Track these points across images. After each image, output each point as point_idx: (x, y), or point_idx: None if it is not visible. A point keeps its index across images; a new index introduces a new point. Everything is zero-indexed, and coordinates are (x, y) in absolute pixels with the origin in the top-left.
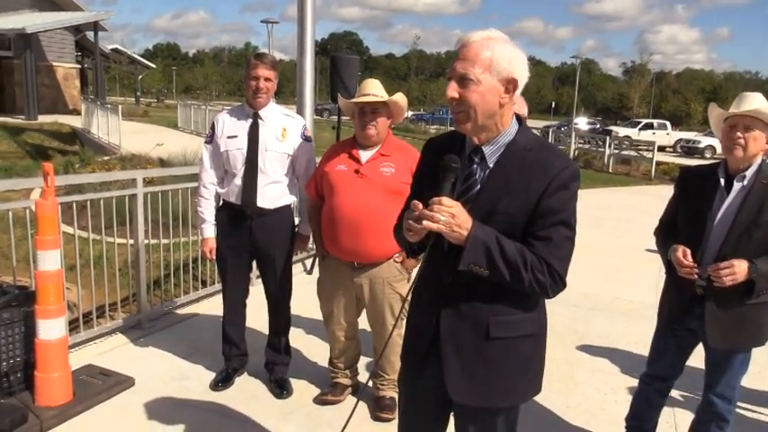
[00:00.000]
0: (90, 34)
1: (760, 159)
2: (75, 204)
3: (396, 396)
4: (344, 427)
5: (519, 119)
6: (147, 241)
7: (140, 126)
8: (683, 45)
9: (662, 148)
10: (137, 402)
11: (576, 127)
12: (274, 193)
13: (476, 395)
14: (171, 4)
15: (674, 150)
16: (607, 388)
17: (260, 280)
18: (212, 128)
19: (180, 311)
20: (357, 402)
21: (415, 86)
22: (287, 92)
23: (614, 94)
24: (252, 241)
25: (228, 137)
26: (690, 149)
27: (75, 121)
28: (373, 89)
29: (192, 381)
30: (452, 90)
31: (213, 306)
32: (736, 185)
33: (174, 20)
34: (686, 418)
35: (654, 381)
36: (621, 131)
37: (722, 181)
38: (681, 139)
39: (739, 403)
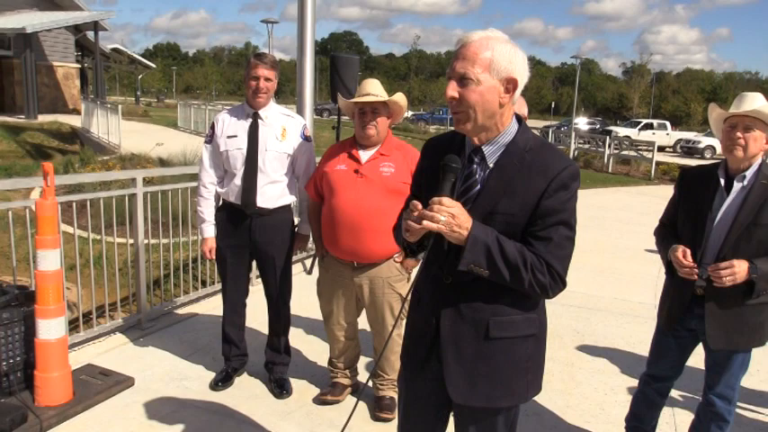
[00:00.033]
0: (90, 34)
1: (760, 159)
2: (74, 204)
3: (396, 396)
4: (345, 427)
5: (519, 119)
6: (146, 241)
7: (140, 126)
8: (683, 45)
9: (662, 149)
10: (137, 402)
11: (575, 127)
12: (274, 192)
13: (476, 395)
14: (171, 3)
15: (674, 150)
16: (607, 388)
17: (260, 280)
18: (212, 128)
19: (180, 311)
20: (357, 402)
21: (415, 86)
22: (287, 91)
23: (614, 95)
24: (252, 241)
25: (228, 137)
26: (690, 149)
27: (75, 121)
28: (373, 89)
29: (192, 381)
30: (452, 90)
31: (213, 306)
32: (737, 185)
33: (175, 20)
34: (686, 418)
35: (654, 381)
36: (621, 131)
37: (722, 181)
38: (681, 140)
39: (739, 403)
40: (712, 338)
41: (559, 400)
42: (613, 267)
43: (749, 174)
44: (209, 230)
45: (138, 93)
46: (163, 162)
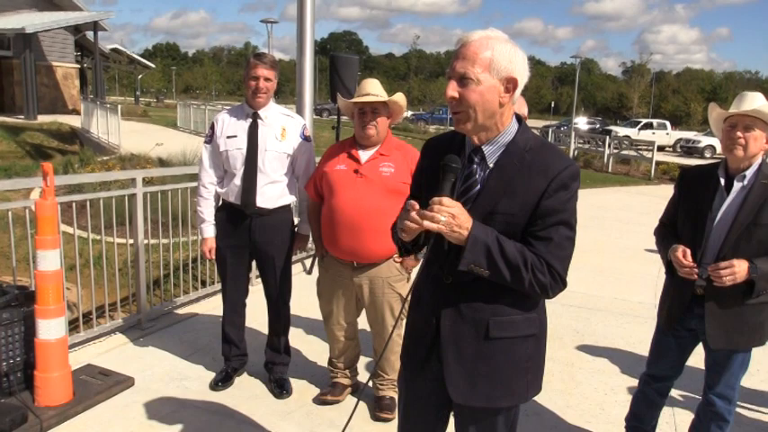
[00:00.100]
0: (90, 34)
1: (760, 159)
2: (74, 204)
3: (396, 396)
4: (345, 427)
5: (519, 119)
6: (146, 241)
7: (140, 126)
8: (683, 45)
9: (661, 148)
10: (136, 402)
11: (575, 127)
12: (274, 192)
13: (476, 395)
14: (170, 4)
15: (674, 150)
16: (607, 388)
17: (260, 280)
18: (212, 128)
19: (180, 311)
20: (357, 402)
21: (414, 86)
22: (286, 91)
23: (614, 94)
24: (251, 241)
25: (228, 137)
26: (689, 149)
27: (74, 121)
28: (373, 89)
29: (192, 381)
30: (452, 89)
31: (213, 306)
32: (737, 185)
33: (174, 20)
34: (686, 418)
35: (654, 381)
36: (621, 131)
37: (722, 181)
38: (680, 139)
39: (739, 403)
40: (712, 338)
41: (559, 400)
42: (613, 267)
43: (749, 173)
44: (209, 230)
45: (138, 93)
46: (162, 162)
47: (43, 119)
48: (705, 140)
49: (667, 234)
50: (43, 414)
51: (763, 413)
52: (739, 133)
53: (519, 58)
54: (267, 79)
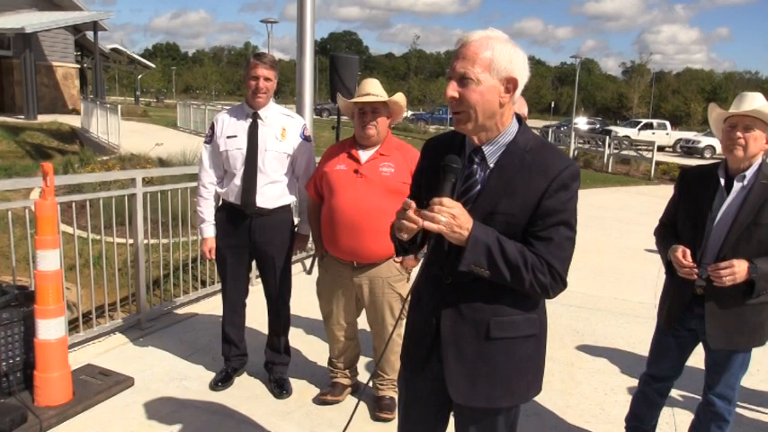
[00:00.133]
0: (90, 34)
1: (760, 159)
2: (74, 204)
3: (395, 396)
4: (346, 428)
5: (519, 119)
6: (146, 241)
7: (140, 126)
8: (683, 45)
9: (661, 148)
10: (136, 402)
11: (575, 127)
12: (274, 192)
13: (477, 396)
14: (170, 4)
15: (674, 150)
16: (607, 388)
17: (260, 280)
18: (212, 128)
19: (179, 311)
20: (358, 403)
21: (414, 86)
22: (286, 91)
23: (614, 94)
24: (251, 241)
25: (228, 137)
26: (689, 149)
27: (74, 121)
28: (373, 89)
29: (192, 381)
30: (452, 90)
31: (213, 306)
32: (737, 185)
33: (174, 19)
34: (686, 418)
35: (654, 381)
36: (621, 131)
37: (722, 181)
38: (680, 139)
39: (739, 403)
40: (712, 338)
41: (559, 400)
42: (613, 267)
43: (749, 173)
44: (209, 230)
45: (138, 93)
46: (162, 162)
47: (43, 119)
48: (705, 141)
49: (667, 234)
50: (43, 414)
51: (763, 413)
52: (739, 133)
53: (519, 58)
54: (267, 79)
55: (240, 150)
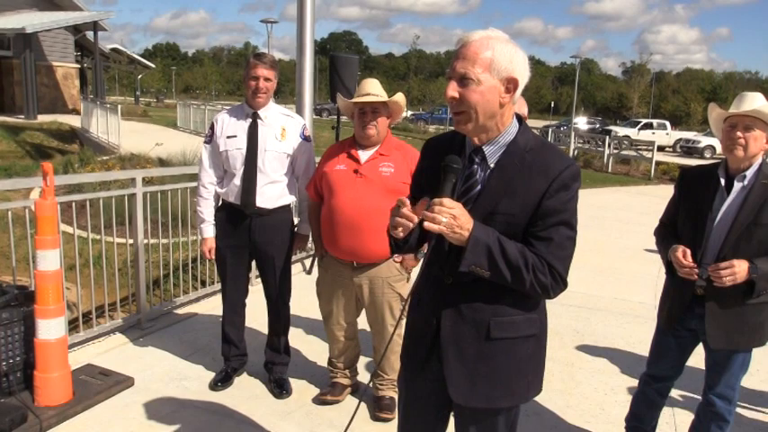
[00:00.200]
0: (90, 34)
1: (760, 159)
2: (74, 204)
3: (395, 396)
4: (347, 428)
5: (519, 119)
6: (146, 241)
7: (140, 126)
8: (683, 45)
9: (661, 148)
10: (136, 402)
11: (575, 127)
12: (273, 192)
13: (477, 396)
14: (170, 4)
15: (674, 150)
16: (607, 388)
17: (259, 280)
18: (212, 128)
19: (179, 311)
20: (359, 403)
21: (414, 86)
22: (286, 91)
23: (614, 94)
24: (251, 241)
25: (228, 137)
26: (689, 149)
27: (74, 121)
28: (373, 89)
29: (192, 381)
30: (452, 90)
31: (212, 306)
32: (737, 185)
33: (174, 20)
34: (686, 418)
35: (654, 381)
36: (621, 131)
37: (722, 181)
38: (680, 139)
39: (739, 403)
40: (712, 338)
41: (559, 400)
42: (613, 267)
43: (749, 173)
44: (209, 230)
45: (138, 93)
46: (162, 162)
47: (43, 119)
48: (705, 140)
49: (667, 234)
50: (43, 414)
51: (763, 413)
52: (739, 133)
53: (519, 58)
54: (267, 79)
55: (240, 150)
